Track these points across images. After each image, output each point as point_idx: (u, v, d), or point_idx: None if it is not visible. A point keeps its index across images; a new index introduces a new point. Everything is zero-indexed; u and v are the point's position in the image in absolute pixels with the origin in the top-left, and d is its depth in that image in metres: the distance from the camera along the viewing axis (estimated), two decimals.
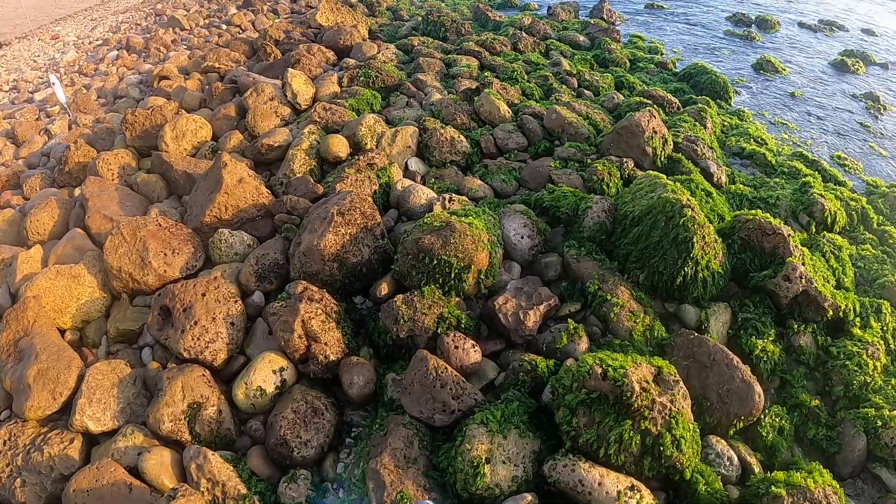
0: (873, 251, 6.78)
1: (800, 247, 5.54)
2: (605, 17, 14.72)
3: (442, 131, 6.58)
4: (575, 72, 9.48)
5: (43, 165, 9.12)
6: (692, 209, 4.84)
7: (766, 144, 8.50)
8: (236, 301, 4.58)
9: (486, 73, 8.98)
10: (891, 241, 7.12)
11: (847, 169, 8.53)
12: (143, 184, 6.96)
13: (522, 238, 5.10)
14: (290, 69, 8.31)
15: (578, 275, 4.87)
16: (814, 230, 6.80)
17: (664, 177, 5.32)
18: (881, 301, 5.87)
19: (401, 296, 4.26)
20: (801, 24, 16.10)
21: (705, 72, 10.15)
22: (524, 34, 11.29)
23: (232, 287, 4.80)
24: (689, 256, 4.84)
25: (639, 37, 13.41)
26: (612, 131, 6.66)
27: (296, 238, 4.82)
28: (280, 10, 18.41)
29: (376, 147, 6.57)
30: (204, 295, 4.54)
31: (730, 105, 9.85)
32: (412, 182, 6.04)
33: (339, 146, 6.44)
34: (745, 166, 7.93)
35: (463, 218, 4.54)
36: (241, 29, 16.42)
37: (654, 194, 5.04)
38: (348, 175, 5.72)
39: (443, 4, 17.24)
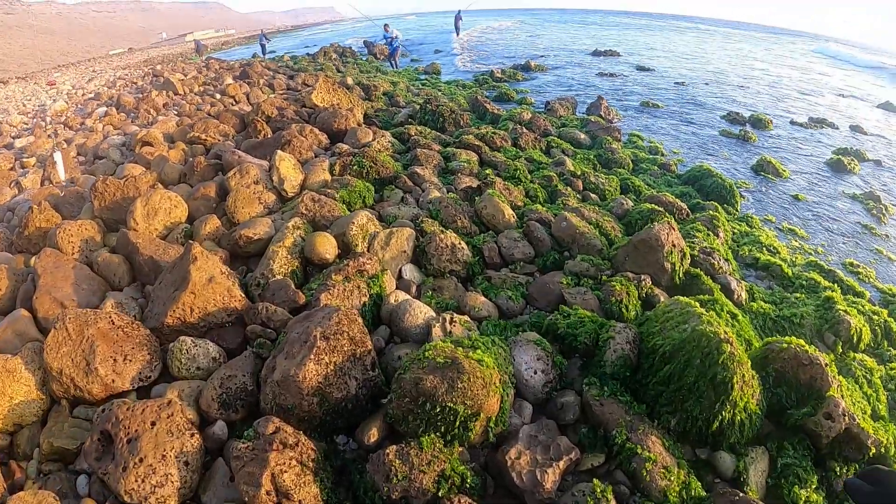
0: None
1: (837, 376, 4.95)
2: (602, 114, 14.73)
3: (442, 237, 5.95)
4: (580, 172, 9.09)
5: (6, 222, 8.38)
6: (731, 344, 4.23)
7: (779, 254, 8.09)
8: (193, 434, 3.76)
9: (486, 171, 8.52)
10: None
11: (861, 277, 8.14)
12: (105, 264, 6.18)
13: (536, 373, 4.41)
14: (279, 151, 7.75)
15: (602, 420, 4.15)
16: (840, 350, 6.29)
17: (696, 304, 4.72)
18: None
19: (394, 447, 3.47)
20: (793, 122, 16.43)
21: (710, 175, 9.88)
22: (524, 129, 11.01)
23: (189, 412, 4.00)
24: (728, 399, 4.20)
25: (637, 136, 13.33)
26: (627, 244, 6.11)
27: (270, 360, 4.04)
28: (276, 86, 18.28)
29: (368, 250, 5.92)
30: (154, 424, 3.73)
31: (737, 210, 9.51)
32: (407, 296, 5.34)
33: (327, 246, 5.78)
34: (761, 279, 7.45)
35: (471, 352, 3.83)
36: (234, 100, 16.15)
37: (686, 326, 4.42)
38: (335, 283, 5.02)
39: (440, 93, 17.24)
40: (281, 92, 17.86)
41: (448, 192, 7.57)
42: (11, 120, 15.63)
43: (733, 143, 13.91)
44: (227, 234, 6.59)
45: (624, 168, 10.39)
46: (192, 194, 7.65)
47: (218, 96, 16.44)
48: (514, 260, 6.22)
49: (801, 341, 4.96)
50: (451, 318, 4.87)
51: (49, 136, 13.32)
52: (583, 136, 11.74)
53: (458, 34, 39.43)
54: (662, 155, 12.23)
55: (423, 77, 23.26)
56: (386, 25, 25.65)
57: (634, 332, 4.73)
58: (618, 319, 5.30)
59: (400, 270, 5.93)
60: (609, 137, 11.70)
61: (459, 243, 6.05)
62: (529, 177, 8.58)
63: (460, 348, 3.96)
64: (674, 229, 6.01)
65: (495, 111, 13.30)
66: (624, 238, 6.63)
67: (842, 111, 19.12)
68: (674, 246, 5.96)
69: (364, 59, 31.16)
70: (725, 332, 4.33)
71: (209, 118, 11.42)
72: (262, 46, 41.50)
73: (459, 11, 39.06)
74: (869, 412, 5.33)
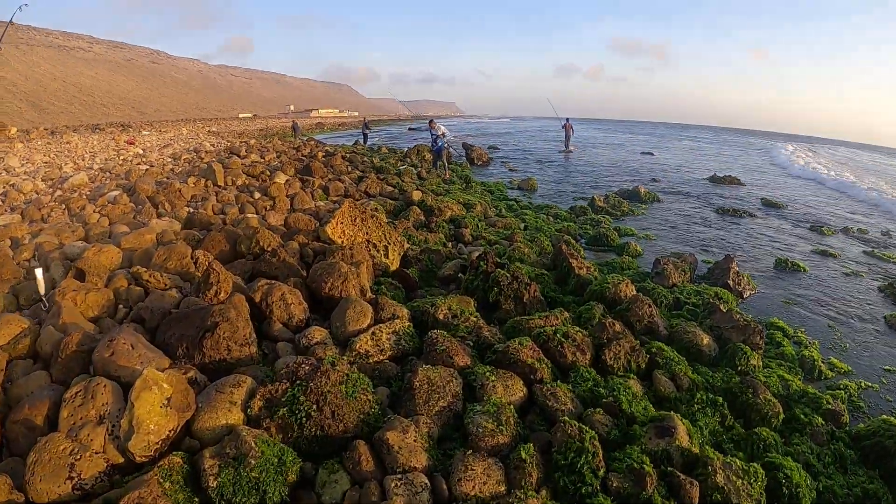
0: None
1: None
2: (731, 282, 10.64)
3: None
4: (696, 451, 4.92)
5: None
6: None
7: None
8: None
9: (523, 451, 4.40)
10: None
11: None
12: None
13: None
14: (146, 373, 4.32)
15: None
16: None
17: None
18: None
19: None
20: None
21: None
22: (617, 327, 7.11)
23: None
24: None
25: (781, 329, 9.01)
26: None
27: None
28: (332, 190, 15.50)
29: None
30: None
31: None
32: None
33: None
34: None
35: None
36: (273, 203, 13.41)
37: None
38: None
39: (521, 227, 13.80)
40: (335, 198, 15.17)
41: None
42: (22, 186, 13.66)
43: None
44: None
45: (770, 423, 6.15)
46: (13, 414, 4.50)
47: (257, 196, 13.88)
48: None
49: None
50: None
51: (30, 221, 11.01)
52: (706, 340, 7.64)
53: (566, 145, 36.81)
54: (821, 376, 7.86)
55: (513, 194, 20.19)
56: (431, 122, 22.86)
57: None
58: None
59: None
60: (746, 347, 7.53)
61: None
62: (601, 470, 4.60)
63: None
64: None
65: (582, 273, 9.52)
66: None
67: None
68: None
69: (460, 161, 28.80)
70: None
71: (175, 244, 8.42)
72: (364, 136, 41.40)
73: (567, 119, 36.56)
74: None
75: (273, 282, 6.73)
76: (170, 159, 21.25)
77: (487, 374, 5.52)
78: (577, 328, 6.89)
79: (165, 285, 7.10)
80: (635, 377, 6.39)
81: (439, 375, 5.28)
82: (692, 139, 61.45)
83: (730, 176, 26.65)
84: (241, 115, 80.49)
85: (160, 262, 7.79)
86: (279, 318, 6.34)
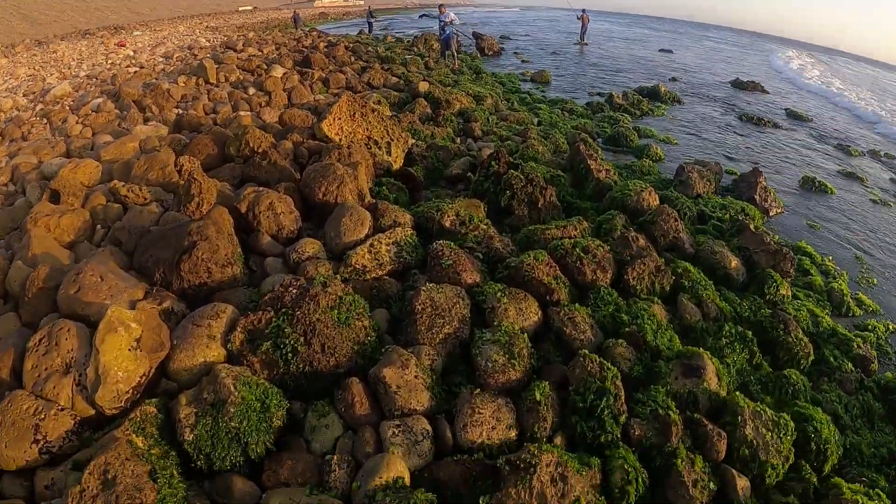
0: None
1: None
2: (758, 198, 9.70)
3: None
4: (727, 407, 4.43)
5: None
6: None
7: None
8: None
9: (536, 391, 3.92)
10: None
11: None
12: None
13: None
14: (110, 313, 3.82)
15: None
16: None
17: None
18: None
19: None
20: None
21: None
22: (641, 242, 6.38)
23: None
24: None
25: (809, 255, 8.32)
26: None
27: None
28: (333, 82, 14.49)
29: None
30: None
31: None
32: None
33: None
34: None
35: None
36: (269, 98, 12.51)
37: None
38: None
39: (534, 122, 12.77)
40: (336, 91, 14.12)
41: (428, 450, 3.41)
42: (2, 104, 12.73)
43: None
44: None
45: (799, 365, 5.61)
46: None
47: (252, 91, 12.89)
48: None
49: None
50: None
51: (13, 140, 10.29)
52: (734, 263, 6.92)
53: (582, 37, 34.28)
54: (849, 312, 7.20)
55: (526, 87, 18.83)
56: (441, 6, 21.50)
57: None
58: None
59: None
60: (776, 274, 6.81)
61: None
62: (623, 415, 4.05)
63: None
64: None
65: (601, 176, 8.68)
66: None
67: None
68: None
69: (470, 51, 26.92)
70: None
71: (156, 153, 7.68)
72: (369, 24, 39.10)
73: (584, 10, 33.82)
74: None
75: (261, 189, 6.07)
76: (161, 59, 19.93)
77: (499, 294, 4.93)
78: (598, 242, 6.18)
79: (145, 199, 6.47)
80: (659, 301, 5.74)
81: (445, 296, 4.70)
82: (711, 39, 57.16)
83: (753, 82, 24.63)
84: (241, 8, 76.26)
85: (141, 174, 7.12)
86: (268, 229, 5.75)
